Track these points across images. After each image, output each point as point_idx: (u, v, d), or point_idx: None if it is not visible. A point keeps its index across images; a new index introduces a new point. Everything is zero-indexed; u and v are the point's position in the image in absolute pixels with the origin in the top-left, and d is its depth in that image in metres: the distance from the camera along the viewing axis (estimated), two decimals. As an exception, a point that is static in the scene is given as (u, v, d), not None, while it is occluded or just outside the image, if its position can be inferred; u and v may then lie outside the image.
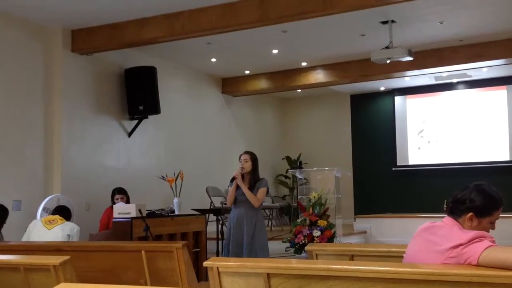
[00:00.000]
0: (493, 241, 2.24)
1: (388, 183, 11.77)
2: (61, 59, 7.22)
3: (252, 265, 2.51)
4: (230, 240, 5.49)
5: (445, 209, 2.53)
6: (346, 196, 10.44)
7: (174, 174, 7.02)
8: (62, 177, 7.09)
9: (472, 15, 7.33)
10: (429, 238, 2.41)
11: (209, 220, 7.77)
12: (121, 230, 5.81)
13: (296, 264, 2.51)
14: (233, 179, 5.53)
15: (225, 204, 8.60)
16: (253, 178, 5.55)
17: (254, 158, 5.61)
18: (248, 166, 5.55)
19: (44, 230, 5.07)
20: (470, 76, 10.57)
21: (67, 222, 5.25)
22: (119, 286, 1.88)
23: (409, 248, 2.52)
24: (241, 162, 5.59)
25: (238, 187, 5.53)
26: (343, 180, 8.67)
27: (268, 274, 2.44)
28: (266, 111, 12.35)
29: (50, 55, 7.21)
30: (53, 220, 5.20)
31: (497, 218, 2.48)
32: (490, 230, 2.45)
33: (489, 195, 2.45)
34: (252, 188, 5.50)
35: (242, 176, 5.54)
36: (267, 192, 5.72)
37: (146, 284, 3.73)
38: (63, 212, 5.48)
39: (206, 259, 2.64)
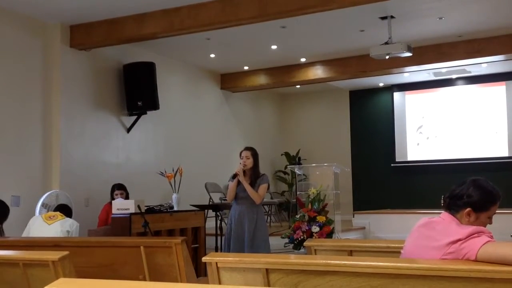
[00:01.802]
0: (491, 236, 2.25)
1: (387, 179, 11.78)
2: (59, 55, 7.21)
3: (251, 261, 2.51)
4: (231, 236, 5.48)
5: (442, 204, 2.53)
6: (345, 192, 10.45)
7: (173, 170, 7.01)
8: (61, 173, 7.09)
9: (471, 11, 7.32)
10: (427, 233, 2.41)
11: (208, 216, 7.78)
12: (120, 226, 5.82)
13: (295, 259, 2.51)
14: (235, 175, 5.50)
15: (225, 200, 8.62)
16: (254, 174, 5.54)
17: (255, 154, 5.59)
18: (249, 162, 5.53)
19: (44, 226, 5.08)
20: (469, 72, 10.57)
21: (67, 219, 5.26)
22: (118, 281, 1.88)
23: (407, 244, 2.53)
24: (242, 158, 5.56)
25: (238, 183, 5.51)
26: (342, 176, 8.67)
27: (266, 270, 2.44)
28: (265, 107, 12.35)
29: (48, 51, 7.20)
30: (54, 216, 5.21)
31: (495, 213, 2.48)
32: (488, 225, 2.46)
33: (486, 190, 2.46)
34: (253, 184, 5.49)
35: (244, 172, 5.52)
36: (268, 188, 5.72)
37: (145, 280, 3.73)
38: (64, 210, 5.50)
39: (205, 254, 2.64)
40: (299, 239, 6.91)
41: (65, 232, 5.06)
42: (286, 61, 9.74)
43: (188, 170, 7.60)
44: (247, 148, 5.66)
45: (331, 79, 10.17)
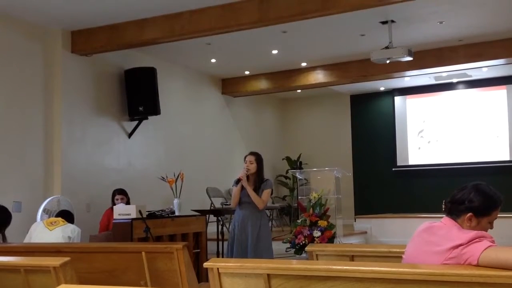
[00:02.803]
0: (493, 241, 2.24)
1: (388, 183, 11.77)
2: (61, 60, 7.22)
3: (252, 266, 2.51)
4: (234, 241, 5.47)
5: (443, 209, 2.53)
6: (346, 196, 10.45)
7: (174, 175, 7.01)
8: (62, 178, 7.09)
9: (471, 15, 7.33)
10: (428, 238, 2.41)
11: (210, 221, 7.77)
12: (121, 231, 5.82)
13: (296, 264, 2.51)
14: (239, 180, 5.49)
15: (226, 204, 8.61)
16: (258, 179, 5.52)
17: (259, 159, 5.57)
18: (253, 167, 5.51)
19: (46, 231, 5.08)
20: (470, 76, 10.57)
21: (69, 224, 5.25)
22: (119, 287, 1.88)
23: (408, 249, 2.52)
24: (246, 163, 5.55)
25: (242, 188, 5.49)
26: (343, 180, 8.67)
27: (268, 275, 2.44)
28: (266, 112, 12.35)
29: (50, 56, 7.21)
30: (55, 222, 5.21)
31: (496, 218, 2.48)
32: (489, 230, 2.45)
33: (488, 195, 2.46)
34: (257, 189, 5.47)
35: (247, 177, 5.50)
36: (271, 193, 5.69)
37: (146, 285, 3.73)
38: (66, 216, 5.50)
39: (207, 260, 2.65)
40: (301, 244, 6.90)
41: (67, 237, 5.05)
42: (287, 65, 9.76)
43: (190, 175, 7.60)
44: (251, 153, 5.64)
45: (332, 83, 10.17)
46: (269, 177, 11.02)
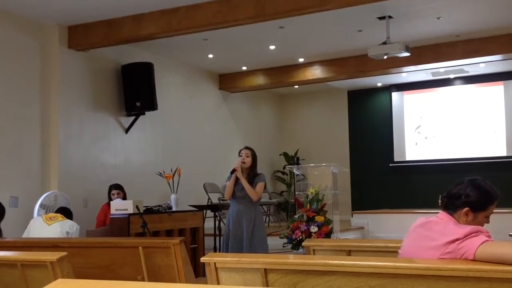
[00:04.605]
0: (489, 236, 2.25)
1: (385, 179, 11.80)
2: (57, 56, 7.20)
3: (250, 261, 2.51)
4: (229, 236, 5.48)
5: (439, 204, 2.53)
6: (343, 192, 10.46)
7: (172, 170, 7.01)
8: (59, 174, 7.08)
9: (469, 11, 7.33)
10: (425, 233, 2.41)
11: (207, 216, 7.77)
12: (118, 226, 5.82)
13: (294, 259, 2.51)
14: (233, 171, 5.51)
15: (223, 200, 8.62)
16: (252, 174, 5.54)
17: (254, 155, 5.60)
18: (248, 161, 5.53)
19: (44, 226, 5.10)
20: (467, 71, 10.59)
21: (67, 220, 5.27)
22: (116, 282, 1.88)
23: (405, 244, 2.53)
24: (241, 156, 5.56)
25: (236, 181, 5.51)
26: (340, 176, 8.68)
27: (265, 270, 2.44)
28: (263, 107, 12.35)
29: (46, 52, 7.19)
30: (54, 217, 5.23)
31: (492, 213, 2.49)
32: (485, 224, 2.46)
33: (484, 190, 2.46)
34: (251, 183, 5.48)
35: (241, 170, 5.52)
36: (265, 187, 5.71)
37: (143, 280, 3.73)
38: (65, 212, 5.51)
39: (204, 255, 2.65)
40: (298, 239, 6.91)
41: (65, 233, 5.06)
42: (284, 61, 9.75)
43: (187, 171, 7.60)
44: (247, 148, 5.67)
45: (329, 79, 10.17)
46: (266, 172, 11.04)
